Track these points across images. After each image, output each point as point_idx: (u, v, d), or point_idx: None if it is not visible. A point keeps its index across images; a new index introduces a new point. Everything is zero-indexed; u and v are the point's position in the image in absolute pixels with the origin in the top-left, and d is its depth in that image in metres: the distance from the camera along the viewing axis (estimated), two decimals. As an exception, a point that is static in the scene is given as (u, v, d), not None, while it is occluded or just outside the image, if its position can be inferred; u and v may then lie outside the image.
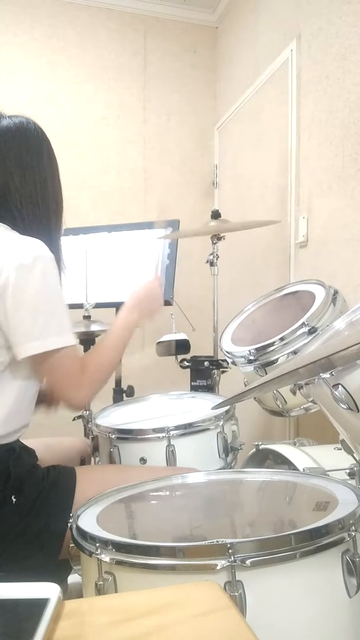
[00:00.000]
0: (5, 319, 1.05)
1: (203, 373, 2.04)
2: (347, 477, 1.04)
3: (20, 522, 1.06)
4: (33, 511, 1.07)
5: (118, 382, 2.39)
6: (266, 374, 1.55)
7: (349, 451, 1.02)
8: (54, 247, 1.16)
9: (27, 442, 1.25)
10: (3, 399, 1.10)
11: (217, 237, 2.16)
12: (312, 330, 1.47)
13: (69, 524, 0.89)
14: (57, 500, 1.10)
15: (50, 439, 1.46)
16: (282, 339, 1.52)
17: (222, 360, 1.97)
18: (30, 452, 1.24)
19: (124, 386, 2.25)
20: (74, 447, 1.50)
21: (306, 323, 1.49)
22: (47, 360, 1.08)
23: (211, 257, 2.18)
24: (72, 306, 1.22)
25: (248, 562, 0.72)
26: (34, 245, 1.08)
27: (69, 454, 1.45)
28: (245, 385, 1.65)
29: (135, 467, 1.35)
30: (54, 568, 1.05)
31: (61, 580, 1.09)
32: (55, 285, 1.09)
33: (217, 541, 0.76)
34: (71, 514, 0.92)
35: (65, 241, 1.25)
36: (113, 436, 1.40)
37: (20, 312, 1.04)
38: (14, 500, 1.07)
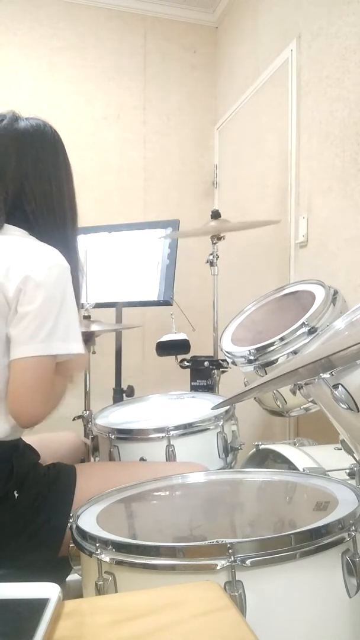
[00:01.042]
0: (12, 320, 1.05)
1: (203, 373, 2.04)
2: (347, 477, 1.04)
3: (21, 517, 1.07)
4: (34, 507, 1.08)
5: (118, 382, 2.39)
6: (266, 374, 1.56)
7: (349, 451, 1.02)
8: (72, 252, 1.16)
9: (25, 439, 1.25)
10: None
11: (217, 237, 2.16)
12: (312, 330, 1.48)
13: (69, 520, 0.89)
14: (58, 497, 1.11)
15: (45, 434, 1.45)
16: (282, 339, 1.52)
17: (222, 360, 1.97)
18: (33, 450, 1.24)
19: (124, 386, 2.25)
20: (68, 442, 1.50)
21: (306, 323, 1.49)
22: (38, 364, 1.04)
23: (211, 257, 2.18)
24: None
25: (248, 562, 0.72)
26: (52, 254, 1.09)
27: (64, 448, 1.45)
28: (245, 385, 1.65)
29: (136, 464, 1.35)
30: (54, 565, 1.06)
31: (61, 579, 1.10)
32: (67, 294, 1.08)
33: (217, 541, 0.76)
34: (71, 511, 0.92)
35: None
36: (113, 436, 1.40)
37: (29, 315, 1.04)
38: (16, 495, 1.07)
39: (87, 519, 0.91)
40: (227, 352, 1.72)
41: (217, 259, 2.17)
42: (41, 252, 1.08)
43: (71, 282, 1.10)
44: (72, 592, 1.09)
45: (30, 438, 1.27)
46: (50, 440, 1.44)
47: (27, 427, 1.09)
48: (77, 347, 1.09)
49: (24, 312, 1.04)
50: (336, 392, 0.82)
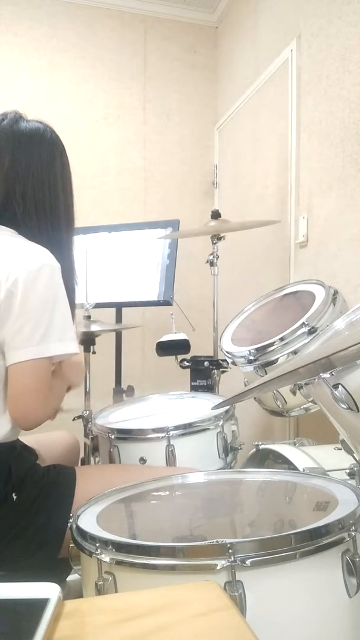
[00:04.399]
0: (5, 323, 1.05)
1: (203, 373, 2.04)
2: (347, 477, 1.04)
3: (20, 520, 1.06)
4: (33, 509, 1.08)
5: (118, 382, 2.39)
6: (266, 374, 1.55)
7: (349, 451, 1.02)
8: (66, 257, 1.16)
9: (21, 439, 1.25)
10: None
11: (217, 237, 2.16)
12: (312, 330, 1.47)
13: (68, 523, 0.89)
14: (57, 499, 1.11)
15: (40, 434, 1.45)
16: (282, 339, 1.52)
17: (222, 360, 1.97)
18: (31, 451, 1.24)
19: (124, 386, 2.25)
20: (64, 440, 1.49)
21: (306, 323, 1.49)
22: (35, 367, 1.05)
23: (211, 257, 2.18)
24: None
25: (248, 562, 0.72)
26: (41, 254, 1.08)
27: (61, 447, 1.45)
28: (245, 385, 1.65)
29: (135, 467, 1.35)
30: (54, 567, 1.06)
31: (61, 579, 1.10)
32: (59, 294, 1.08)
33: (217, 541, 0.76)
34: (71, 513, 0.92)
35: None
36: (113, 436, 1.40)
37: (22, 317, 1.03)
38: (14, 498, 1.07)
39: (87, 519, 0.91)
40: (227, 352, 1.72)
41: (217, 259, 2.17)
42: (30, 253, 1.08)
43: (62, 281, 1.09)
44: (72, 592, 1.09)
45: (26, 439, 1.27)
46: (47, 440, 1.44)
47: (29, 429, 1.10)
48: (73, 346, 1.09)
49: (16, 315, 1.03)
50: (336, 392, 0.82)
